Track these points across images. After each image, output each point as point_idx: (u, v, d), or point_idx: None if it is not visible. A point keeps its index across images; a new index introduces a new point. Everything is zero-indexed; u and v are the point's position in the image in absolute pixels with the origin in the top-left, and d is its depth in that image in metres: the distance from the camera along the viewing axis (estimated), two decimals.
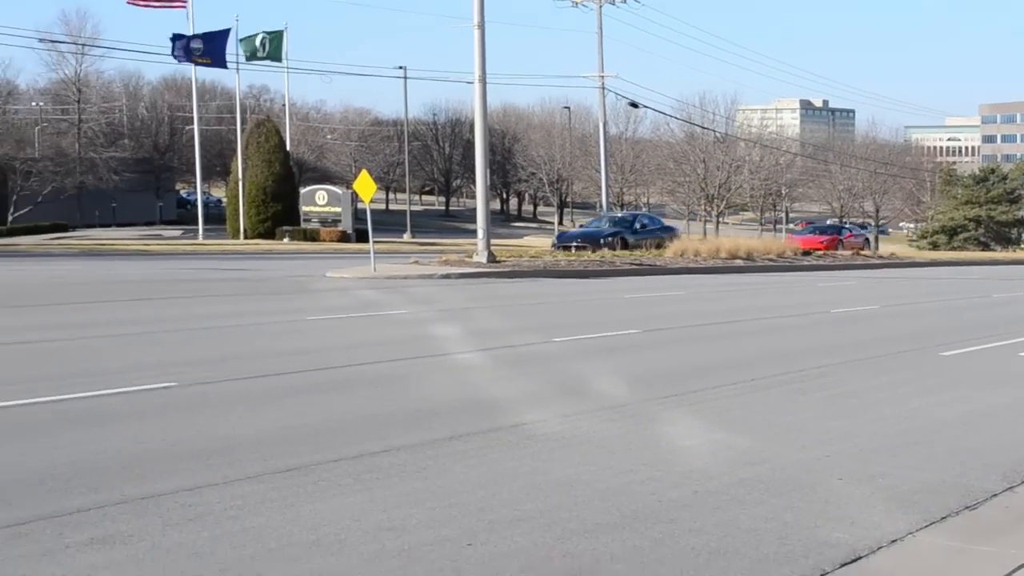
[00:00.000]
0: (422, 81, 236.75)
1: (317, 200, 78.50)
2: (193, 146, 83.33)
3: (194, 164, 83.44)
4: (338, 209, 77.68)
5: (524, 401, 12.02)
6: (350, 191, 72.03)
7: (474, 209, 47.05)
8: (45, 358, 14.87)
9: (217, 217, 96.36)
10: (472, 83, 40.40)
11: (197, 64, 62.83)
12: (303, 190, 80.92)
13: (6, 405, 11.05)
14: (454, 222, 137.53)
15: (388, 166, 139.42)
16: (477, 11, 38.95)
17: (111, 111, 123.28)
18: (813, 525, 7.55)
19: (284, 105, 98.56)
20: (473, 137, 48.83)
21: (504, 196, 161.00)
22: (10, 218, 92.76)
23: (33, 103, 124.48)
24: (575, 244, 49.95)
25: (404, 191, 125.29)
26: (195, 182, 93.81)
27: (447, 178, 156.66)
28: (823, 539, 7.24)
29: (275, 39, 75.74)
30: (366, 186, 36.75)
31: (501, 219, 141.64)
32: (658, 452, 9.70)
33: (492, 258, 38.98)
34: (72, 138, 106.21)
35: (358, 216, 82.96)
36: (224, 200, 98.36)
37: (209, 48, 59.81)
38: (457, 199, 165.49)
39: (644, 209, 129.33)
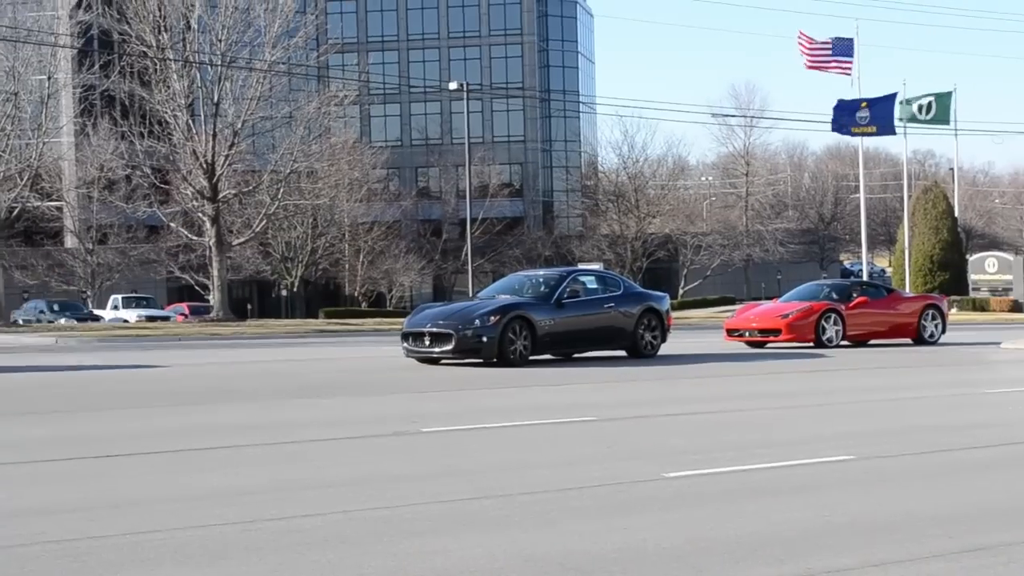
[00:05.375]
0: None
1: (987, 268, 76.17)
2: (857, 215, 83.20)
3: (858, 233, 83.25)
4: (1008, 277, 74.93)
5: None
6: (1022, 257, 69.27)
7: None
8: (717, 429, 15.23)
9: None
10: None
11: (858, 135, 62.77)
12: (971, 257, 78.79)
13: (691, 474, 11.39)
14: None
15: None
16: None
17: (776, 183, 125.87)
18: None
19: (951, 169, 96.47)
20: None
21: None
22: (680, 292, 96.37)
23: (702, 178, 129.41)
24: None
25: None
26: (859, 252, 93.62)
27: None
28: None
29: (941, 101, 74.16)
30: None
31: None
32: None
33: None
34: (739, 211, 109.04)
35: None
36: (888, 270, 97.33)
37: (875, 115, 59.52)
38: None
39: None
